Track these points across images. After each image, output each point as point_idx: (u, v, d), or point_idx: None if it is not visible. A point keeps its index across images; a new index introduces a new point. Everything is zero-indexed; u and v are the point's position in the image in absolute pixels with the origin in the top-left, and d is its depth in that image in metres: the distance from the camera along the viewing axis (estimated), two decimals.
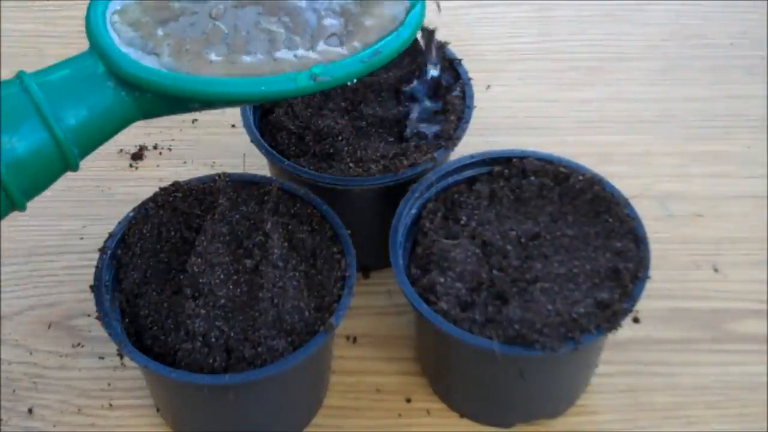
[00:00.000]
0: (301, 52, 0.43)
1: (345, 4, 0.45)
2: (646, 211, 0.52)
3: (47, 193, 0.64)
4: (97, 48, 0.42)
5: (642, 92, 0.71)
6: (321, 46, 0.43)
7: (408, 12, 0.45)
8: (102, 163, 0.67)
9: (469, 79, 0.59)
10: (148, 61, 0.42)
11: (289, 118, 0.57)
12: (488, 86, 0.71)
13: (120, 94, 0.42)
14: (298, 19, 0.44)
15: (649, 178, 0.65)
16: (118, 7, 0.44)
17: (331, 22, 0.44)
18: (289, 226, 0.51)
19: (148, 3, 0.44)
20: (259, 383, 0.46)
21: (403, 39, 0.44)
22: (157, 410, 0.53)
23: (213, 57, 0.42)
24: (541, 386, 0.50)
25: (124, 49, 0.42)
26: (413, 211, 0.52)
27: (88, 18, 0.43)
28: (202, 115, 0.70)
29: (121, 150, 0.67)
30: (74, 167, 0.41)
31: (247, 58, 0.42)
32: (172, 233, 0.51)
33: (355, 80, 0.45)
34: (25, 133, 0.39)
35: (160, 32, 0.43)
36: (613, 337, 0.49)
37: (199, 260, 0.48)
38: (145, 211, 0.51)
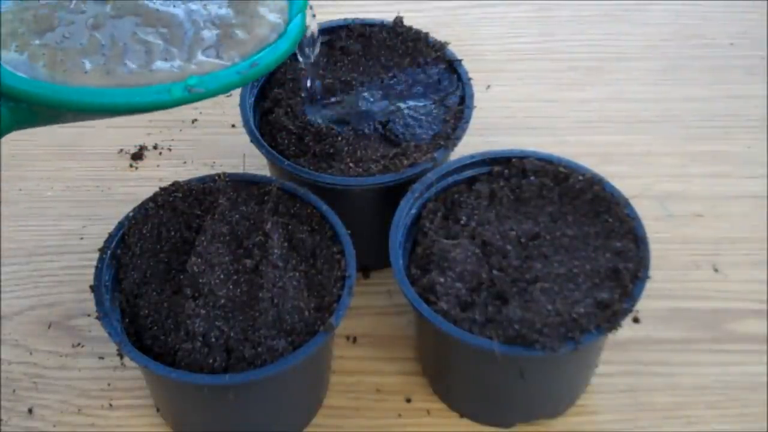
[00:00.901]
0: (178, 63, 0.43)
1: (224, 15, 0.45)
2: (646, 211, 0.52)
3: (47, 193, 0.65)
4: None
5: (642, 92, 0.71)
6: (199, 57, 0.43)
7: (288, 23, 0.45)
8: (102, 163, 0.67)
9: (469, 79, 0.59)
10: (23, 71, 0.41)
11: (289, 118, 0.57)
12: (488, 86, 0.71)
13: None
14: (175, 31, 0.44)
15: (649, 178, 0.65)
16: None
17: (208, 34, 0.44)
18: (289, 226, 0.51)
19: (25, 14, 0.44)
20: (259, 383, 0.46)
21: (282, 51, 0.45)
22: (157, 410, 0.53)
23: (88, 67, 0.42)
24: (541, 386, 0.50)
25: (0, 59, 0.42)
26: (413, 211, 0.52)
27: None
28: (202, 115, 0.70)
29: (121, 150, 0.67)
30: None
31: (123, 69, 0.42)
32: (172, 233, 0.51)
33: (230, 93, 0.44)
34: None
35: (36, 42, 0.43)
36: (613, 337, 0.49)
37: (199, 260, 0.48)
38: (145, 211, 0.51)
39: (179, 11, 0.45)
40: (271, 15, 0.45)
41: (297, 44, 0.46)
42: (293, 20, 0.46)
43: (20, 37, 0.43)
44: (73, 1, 0.44)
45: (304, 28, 0.47)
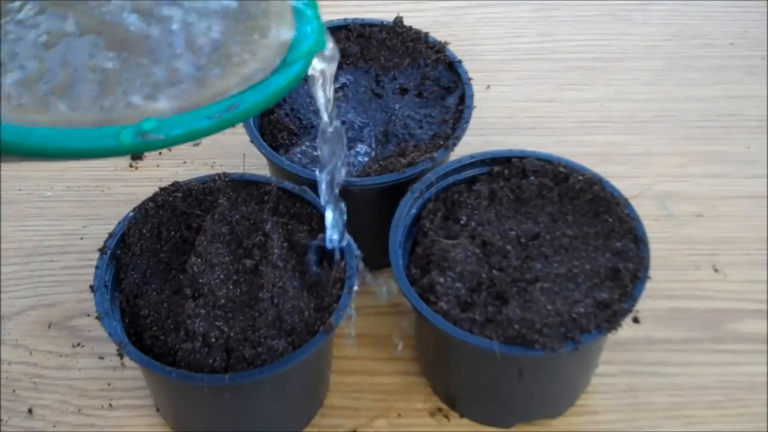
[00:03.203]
0: (137, 99, 0.33)
1: (209, 42, 0.35)
2: (646, 211, 0.52)
3: (47, 193, 0.65)
4: None
5: (642, 92, 0.72)
6: (167, 92, 0.34)
7: (291, 49, 0.36)
8: (102, 163, 0.67)
9: (469, 79, 0.59)
10: None
11: (290, 118, 0.57)
12: (488, 86, 0.71)
13: None
14: (141, 58, 0.34)
15: (649, 178, 0.65)
16: None
17: (185, 62, 0.34)
18: (289, 226, 0.51)
19: None
20: (259, 383, 0.46)
21: (271, 92, 0.35)
22: (157, 410, 0.53)
23: (24, 100, 0.33)
24: (541, 386, 0.50)
25: None
26: (413, 211, 0.52)
27: None
28: None
29: None
30: None
31: (65, 104, 0.33)
32: (172, 233, 0.51)
33: (199, 140, 0.35)
34: None
35: None
36: (613, 337, 0.49)
37: (199, 260, 0.48)
38: (145, 211, 0.51)
39: (155, 31, 0.35)
40: (267, 48, 0.36)
41: (296, 84, 0.36)
42: (297, 52, 0.36)
43: None
44: (28, 10, 0.35)
45: (307, 67, 0.37)
